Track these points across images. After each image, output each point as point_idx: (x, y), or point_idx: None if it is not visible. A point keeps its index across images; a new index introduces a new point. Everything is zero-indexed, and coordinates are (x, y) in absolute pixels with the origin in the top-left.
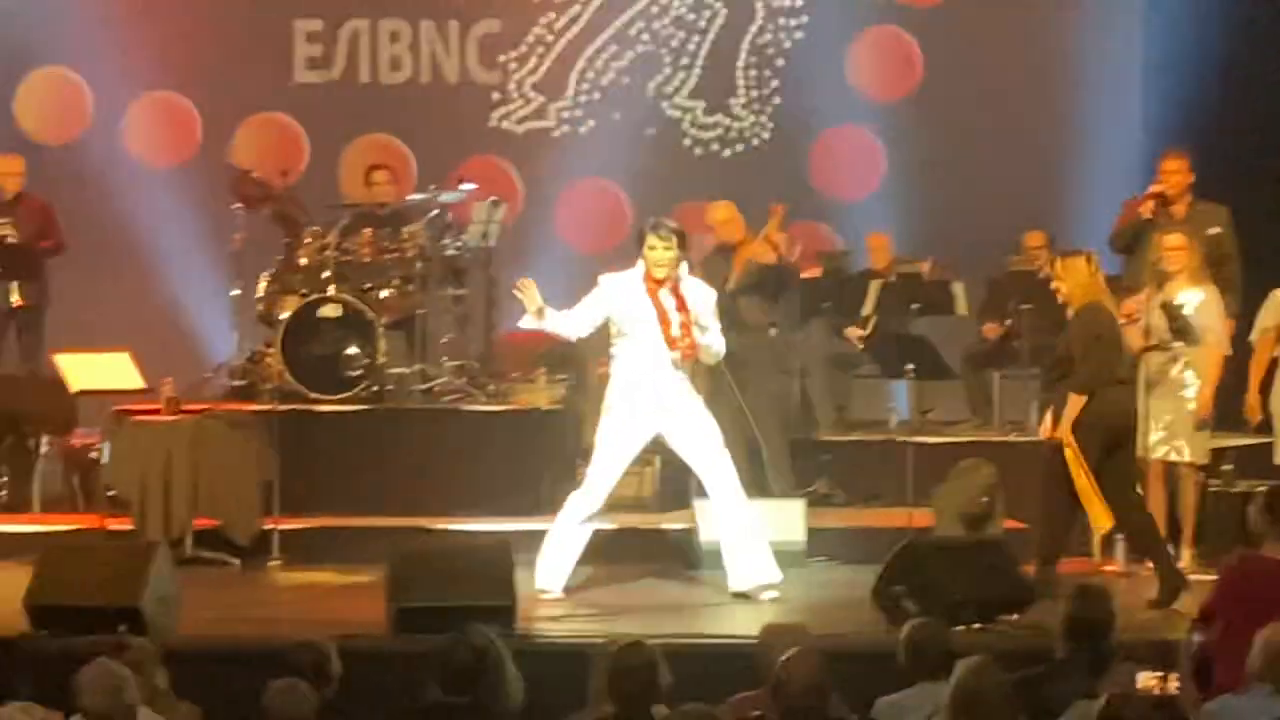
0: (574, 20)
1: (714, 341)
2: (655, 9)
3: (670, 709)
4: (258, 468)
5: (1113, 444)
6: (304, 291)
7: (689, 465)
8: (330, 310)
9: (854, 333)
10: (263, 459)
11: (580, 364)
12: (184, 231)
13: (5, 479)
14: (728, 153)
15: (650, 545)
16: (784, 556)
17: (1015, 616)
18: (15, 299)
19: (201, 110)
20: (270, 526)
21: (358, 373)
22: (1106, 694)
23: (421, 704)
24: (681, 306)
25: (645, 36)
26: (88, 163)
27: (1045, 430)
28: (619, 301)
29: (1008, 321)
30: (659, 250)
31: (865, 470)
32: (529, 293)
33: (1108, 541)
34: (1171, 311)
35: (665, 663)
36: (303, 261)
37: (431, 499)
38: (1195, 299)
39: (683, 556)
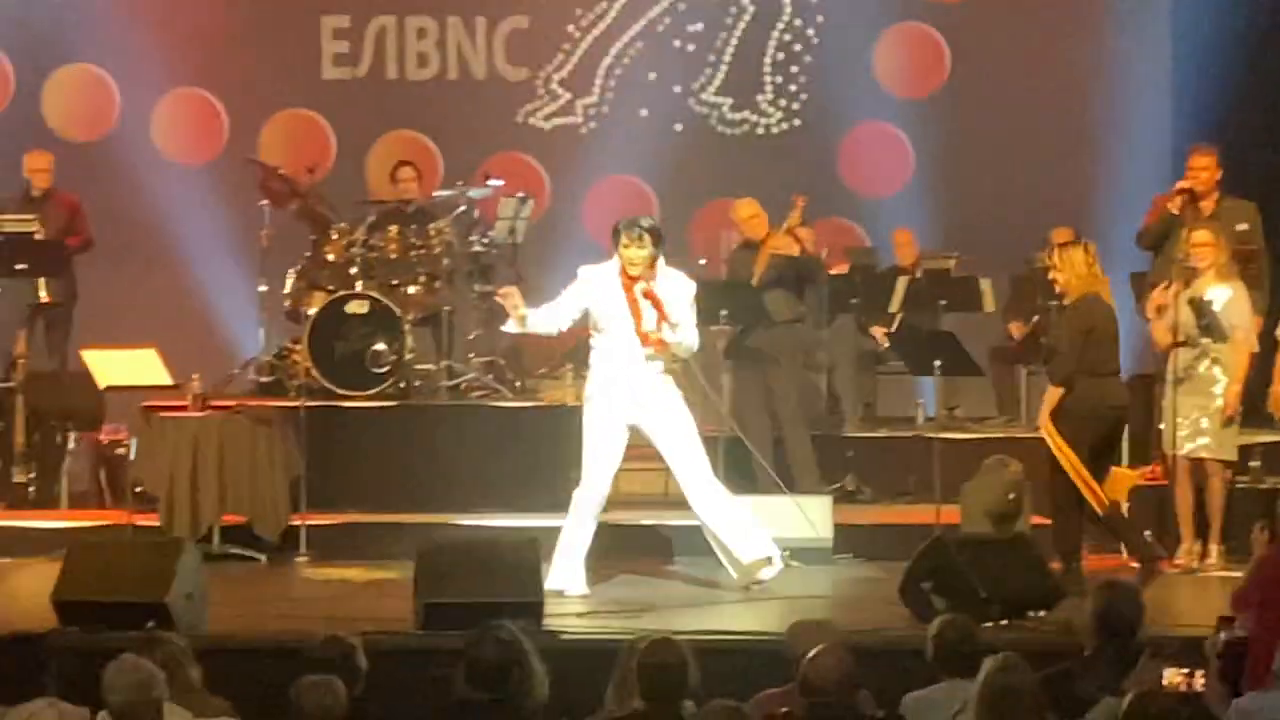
0: (601, 16)
1: (685, 337)
2: (683, 5)
3: (698, 705)
4: (285, 464)
5: (1107, 434)
6: (331, 288)
7: (664, 459)
8: (357, 307)
9: (878, 331)
10: (290, 455)
11: None
12: (211, 228)
13: (33, 475)
14: (754, 149)
15: (675, 542)
16: (811, 553)
17: (1043, 613)
18: (43, 295)
19: (228, 107)
20: (297, 522)
21: (385, 369)
22: (1132, 691)
23: (448, 700)
24: (655, 303)
25: (672, 33)
26: (115, 159)
27: (1042, 422)
28: (596, 294)
29: (1034, 319)
30: (632, 249)
31: (892, 467)
32: (512, 299)
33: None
34: (1199, 308)
35: (694, 659)
36: (330, 258)
37: (458, 495)
38: (1223, 295)
39: (709, 551)
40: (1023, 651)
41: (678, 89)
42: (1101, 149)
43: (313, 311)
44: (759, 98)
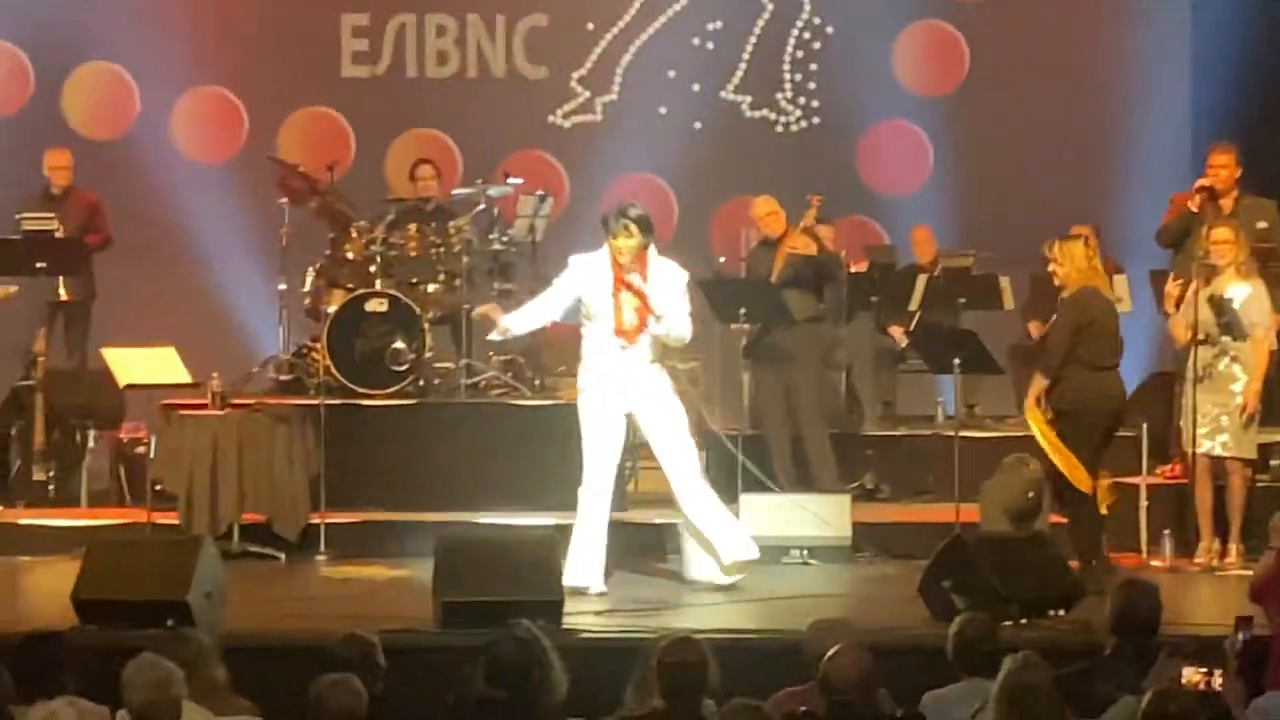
0: (621, 14)
1: (674, 327)
2: (702, 3)
3: (718, 704)
4: (304, 462)
5: (1107, 429)
6: (350, 286)
7: (652, 450)
8: (376, 305)
9: (896, 331)
10: (309, 453)
11: None
12: (230, 226)
13: (53, 473)
14: (774, 147)
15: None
16: (830, 551)
17: (1062, 612)
18: (62, 293)
19: (248, 105)
20: (316, 521)
21: (404, 367)
22: (1151, 690)
23: (468, 698)
24: (641, 297)
25: (692, 31)
26: (134, 158)
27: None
28: (587, 284)
29: (1054, 317)
30: (620, 238)
31: (911, 465)
32: (489, 318)
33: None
34: (1219, 305)
35: (713, 658)
36: (349, 256)
37: (477, 493)
38: (1243, 293)
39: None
40: (1042, 650)
41: (697, 87)
42: (1121, 147)
43: (332, 310)
44: (778, 95)
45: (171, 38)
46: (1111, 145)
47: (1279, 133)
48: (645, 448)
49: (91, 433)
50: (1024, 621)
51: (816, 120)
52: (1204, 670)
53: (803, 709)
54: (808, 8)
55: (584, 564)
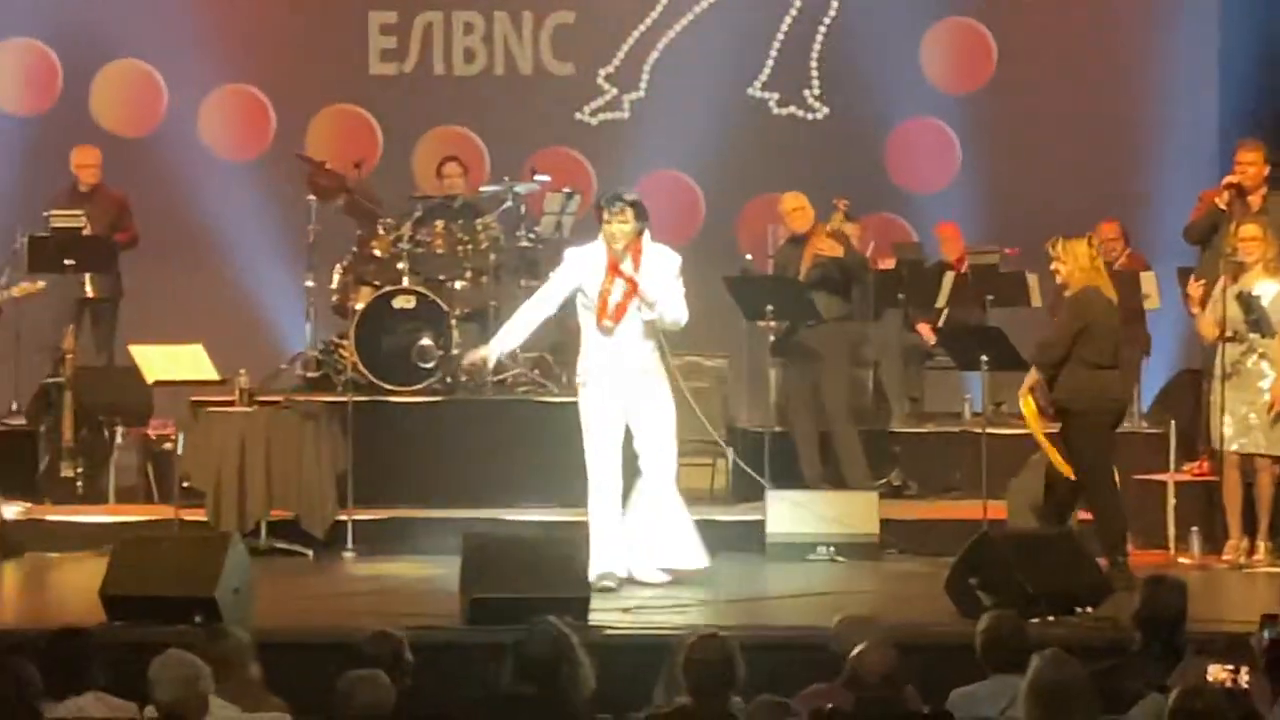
0: (648, 11)
1: (667, 311)
2: (729, 0)
3: (745, 701)
4: (332, 459)
5: (1111, 425)
6: (378, 283)
7: (634, 439)
8: (404, 302)
9: (924, 328)
10: (336, 450)
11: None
12: (258, 223)
13: (81, 470)
14: (801, 144)
15: (722, 536)
16: (857, 549)
17: (1089, 609)
18: (89, 290)
19: (275, 102)
20: (344, 517)
21: (431, 364)
22: (1178, 687)
23: (495, 695)
24: (630, 282)
25: (719, 27)
26: (162, 155)
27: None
28: (584, 274)
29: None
30: (613, 224)
31: (939, 462)
32: (479, 358)
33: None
34: (1247, 303)
35: (741, 654)
36: (376, 253)
37: (505, 490)
38: (1271, 290)
39: (755, 548)
40: (1069, 647)
41: (724, 84)
42: (1148, 143)
43: (359, 306)
44: (805, 92)
45: (199, 35)
46: (1139, 142)
47: None
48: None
49: (119, 430)
50: (1051, 618)
51: (844, 117)
52: (1230, 668)
53: (829, 706)
54: (835, 5)
55: (607, 557)
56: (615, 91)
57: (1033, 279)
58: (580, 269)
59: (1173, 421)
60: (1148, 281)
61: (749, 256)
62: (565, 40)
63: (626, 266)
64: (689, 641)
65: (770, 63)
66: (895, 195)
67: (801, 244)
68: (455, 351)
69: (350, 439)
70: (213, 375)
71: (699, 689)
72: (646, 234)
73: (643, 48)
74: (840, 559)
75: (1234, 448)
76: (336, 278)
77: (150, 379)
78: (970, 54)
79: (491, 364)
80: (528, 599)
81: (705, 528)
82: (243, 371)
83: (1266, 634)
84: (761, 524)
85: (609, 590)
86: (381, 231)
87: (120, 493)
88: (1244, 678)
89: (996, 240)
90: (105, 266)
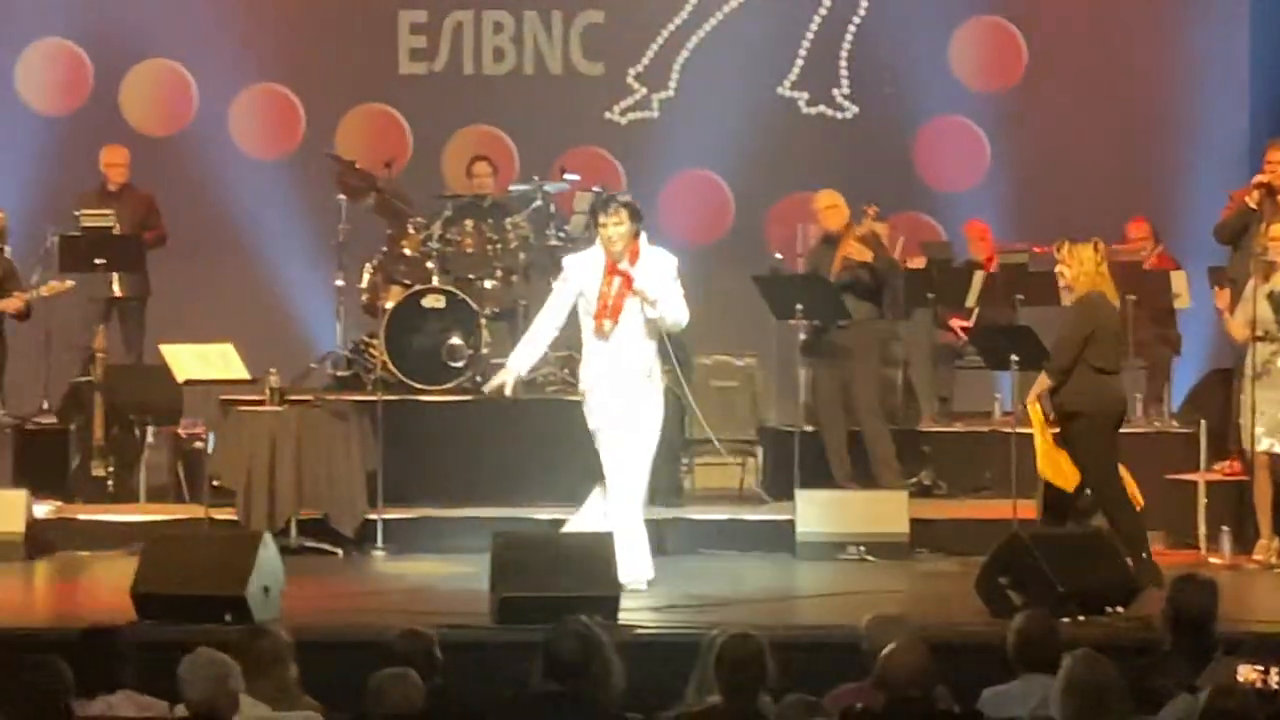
0: (677, 11)
1: (668, 312)
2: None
3: (776, 700)
4: (361, 458)
5: (1114, 429)
6: (407, 282)
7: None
8: (433, 301)
9: (957, 323)
10: (366, 449)
11: (683, 354)
12: (288, 222)
13: (112, 469)
14: (830, 143)
15: (753, 536)
16: (887, 548)
17: (1120, 608)
18: (116, 289)
19: (305, 102)
20: (374, 516)
21: (461, 363)
22: (1210, 687)
23: (525, 694)
24: (627, 280)
25: (748, 27)
26: (192, 155)
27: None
28: (583, 281)
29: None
30: (609, 227)
31: (969, 461)
32: (502, 384)
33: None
34: (1278, 302)
35: (771, 654)
36: (406, 252)
37: (534, 489)
38: None
39: (785, 547)
40: (1100, 647)
41: (754, 83)
42: (1178, 143)
43: (389, 306)
44: (835, 91)
45: (229, 35)
46: (1169, 141)
47: None
48: (698, 444)
49: (150, 429)
50: (1081, 618)
51: (873, 116)
52: (1260, 668)
53: (860, 705)
54: (864, 4)
55: (631, 560)
56: (645, 91)
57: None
58: (579, 275)
59: (1203, 421)
60: (1178, 281)
61: (779, 256)
62: (595, 40)
63: (625, 266)
64: (720, 641)
65: (800, 62)
66: (924, 194)
67: (835, 243)
68: (484, 351)
69: (380, 438)
70: (243, 374)
71: (730, 688)
72: (644, 236)
73: (672, 47)
74: (870, 558)
75: (1264, 447)
76: (366, 277)
77: (181, 378)
78: (999, 53)
79: (510, 389)
80: (557, 598)
81: (735, 527)
82: (273, 371)
83: None
84: (791, 523)
85: (639, 591)
86: (411, 231)
87: (150, 492)
88: (1274, 678)
89: (1026, 239)
90: (135, 266)
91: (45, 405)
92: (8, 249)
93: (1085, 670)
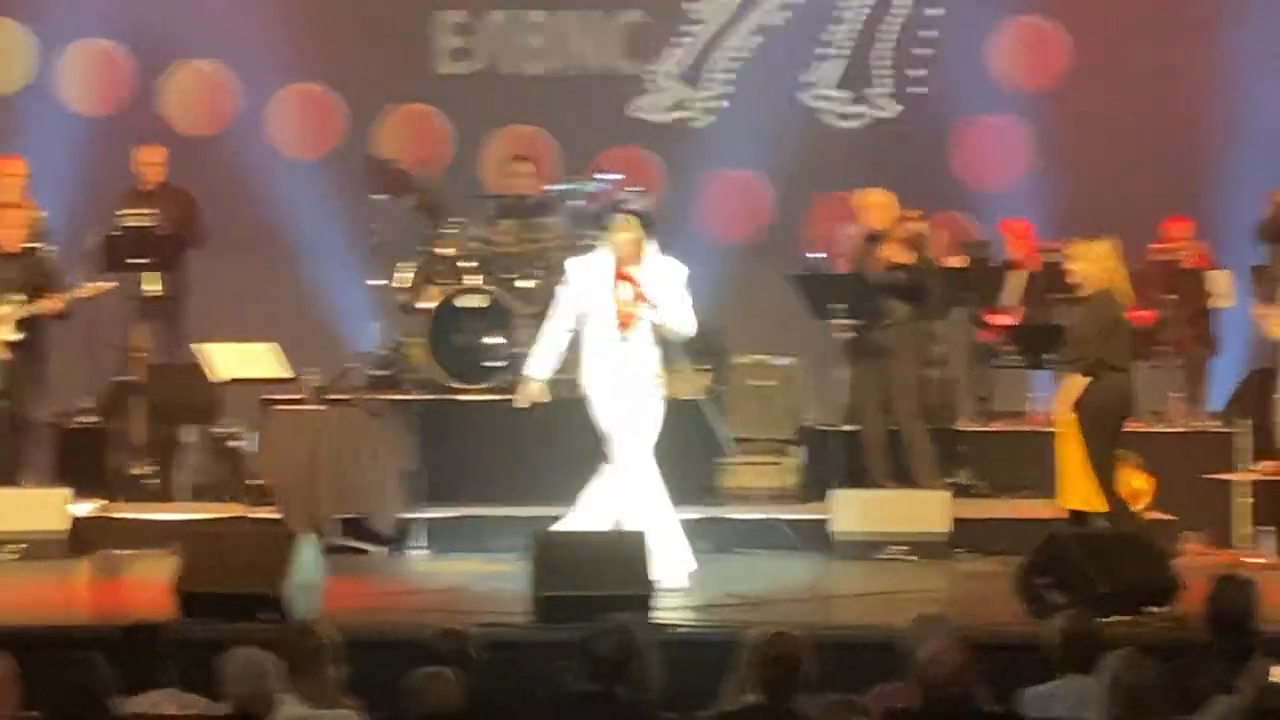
0: (716, 10)
1: (671, 319)
2: None
3: (814, 699)
4: (400, 457)
5: (1117, 426)
6: (447, 282)
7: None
8: (472, 300)
9: (994, 318)
10: (405, 448)
11: (722, 354)
12: (327, 222)
13: (153, 468)
14: (870, 143)
15: (790, 535)
16: (926, 548)
17: (1160, 608)
18: (154, 288)
19: (345, 101)
20: (412, 515)
21: (500, 362)
22: (1251, 686)
23: (563, 693)
24: (635, 284)
25: (787, 26)
26: (232, 154)
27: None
28: (585, 283)
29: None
30: (618, 233)
31: (1007, 460)
32: (531, 394)
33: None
34: None
35: (810, 653)
36: (445, 252)
37: (573, 488)
38: None
39: (823, 546)
40: (1140, 647)
41: (792, 82)
42: (1219, 142)
43: (428, 305)
44: (875, 91)
45: (269, 34)
46: (1210, 140)
47: None
48: (738, 442)
49: (190, 428)
50: (1121, 618)
51: (912, 115)
52: None
53: (900, 705)
54: (904, 3)
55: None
56: (684, 90)
57: None
58: (582, 278)
59: (1247, 421)
60: (1218, 280)
61: (817, 255)
62: (633, 39)
63: (632, 271)
64: (758, 640)
65: (839, 61)
66: (963, 193)
67: (878, 242)
68: (523, 349)
69: (419, 438)
70: (283, 373)
71: (768, 687)
72: (654, 245)
73: (711, 46)
74: (909, 558)
75: None
76: (406, 277)
77: (214, 377)
78: (1040, 52)
79: (540, 397)
80: (596, 597)
81: (772, 526)
82: (313, 370)
83: None
84: (829, 523)
85: (679, 589)
86: (451, 231)
87: (191, 490)
88: None
89: (1064, 238)
90: (175, 265)
91: (87, 404)
92: (49, 248)
93: (1126, 670)
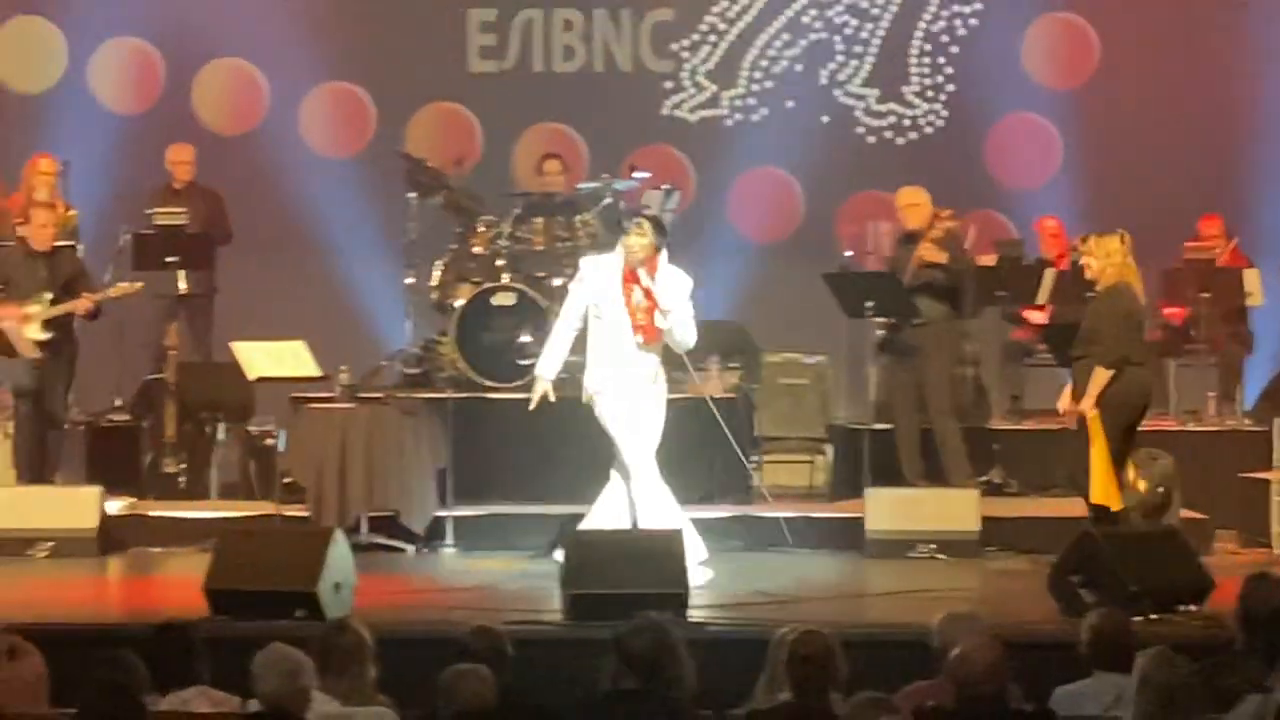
0: (746, 8)
1: (677, 328)
2: None
3: (846, 698)
4: (432, 455)
5: (1133, 423)
6: (477, 280)
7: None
8: (504, 298)
9: (1031, 313)
10: (436, 446)
11: (753, 352)
12: (358, 220)
13: (183, 465)
14: (901, 141)
15: (822, 533)
16: (957, 546)
17: (1193, 607)
18: (182, 286)
19: (376, 100)
20: (444, 513)
21: (531, 361)
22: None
23: (596, 691)
24: (648, 293)
25: (818, 24)
26: (263, 152)
27: (1064, 405)
28: (598, 283)
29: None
30: (631, 237)
31: (1039, 459)
32: (543, 391)
33: None
34: None
35: (842, 651)
36: (476, 250)
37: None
38: None
39: (855, 545)
40: (1173, 645)
41: (823, 81)
42: (1253, 139)
43: (459, 303)
44: (905, 89)
45: (300, 34)
46: (1242, 138)
47: None
48: (769, 440)
49: (221, 426)
50: (1153, 616)
51: (944, 114)
52: None
53: (931, 703)
54: (936, 1)
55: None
56: (714, 88)
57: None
58: (594, 280)
59: (1277, 420)
60: (1251, 278)
61: (848, 253)
62: (664, 37)
63: (644, 276)
64: (790, 638)
65: (870, 58)
66: (996, 191)
67: (914, 242)
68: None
69: (450, 435)
70: (315, 371)
71: (800, 686)
72: (664, 254)
73: (742, 44)
74: (940, 556)
75: None
76: (437, 275)
77: (252, 375)
78: (1072, 49)
79: (552, 393)
80: (627, 595)
81: (805, 524)
82: (344, 368)
83: None
84: (861, 521)
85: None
86: (481, 229)
87: (222, 488)
88: None
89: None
90: (206, 264)
91: (118, 402)
92: (80, 247)
93: (1159, 669)
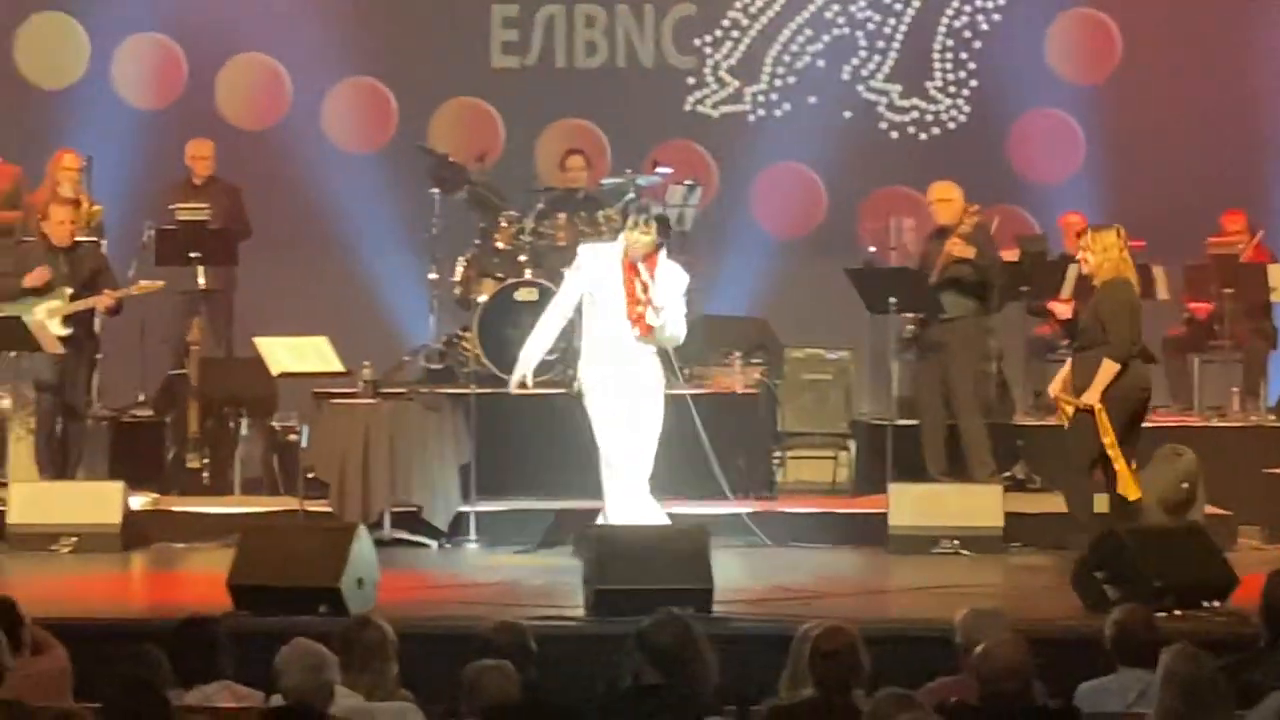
0: (769, 3)
1: (669, 324)
2: None
3: (869, 694)
4: (455, 451)
5: (1135, 417)
6: (500, 275)
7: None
8: (526, 294)
9: (1058, 308)
10: (460, 442)
11: (775, 348)
12: (381, 216)
13: (207, 461)
14: (924, 136)
15: (845, 529)
16: (981, 542)
17: (1217, 603)
18: (202, 282)
19: (398, 95)
20: (467, 509)
21: (553, 356)
22: None
23: (619, 687)
24: (645, 288)
25: (841, 19)
26: (286, 148)
27: (1055, 389)
28: (596, 272)
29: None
30: (636, 232)
31: (1063, 455)
32: (523, 379)
33: None
34: None
35: (865, 647)
36: (499, 245)
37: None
38: None
39: (878, 541)
40: (1197, 641)
41: (846, 76)
42: (1275, 134)
43: (482, 299)
44: (928, 84)
45: (323, 29)
46: (1265, 134)
47: None
48: (792, 436)
49: (244, 421)
50: (1178, 613)
51: (967, 109)
52: None
53: (955, 699)
54: None
55: None
56: (737, 84)
57: (1158, 271)
58: (593, 268)
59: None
60: (1275, 274)
61: (872, 249)
62: (687, 33)
63: (643, 271)
64: (814, 634)
65: (893, 55)
66: (1019, 187)
67: (945, 237)
68: (577, 344)
69: (473, 431)
70: (338, 367)
71: (824, 681)
72: (664, 251)
73: (764, 40)
74: (964, 552)
75: None
76: (459, 270)
77: (275, 371)
78: (1095, 44)
79: (531, 382)
80: (651, 590)
81: (828, 520)
82: (367, 364)
83: None
84: (884, 517)
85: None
86: (504, 224)
87: (245, 484)
88: None
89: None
90: (228, 259)
91: (141, 398)
92: (104, 242)
93: (1184, 665)
